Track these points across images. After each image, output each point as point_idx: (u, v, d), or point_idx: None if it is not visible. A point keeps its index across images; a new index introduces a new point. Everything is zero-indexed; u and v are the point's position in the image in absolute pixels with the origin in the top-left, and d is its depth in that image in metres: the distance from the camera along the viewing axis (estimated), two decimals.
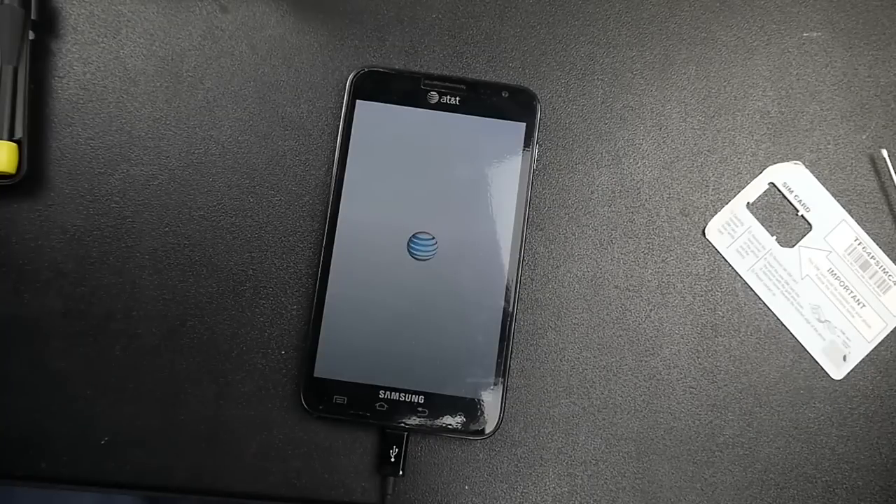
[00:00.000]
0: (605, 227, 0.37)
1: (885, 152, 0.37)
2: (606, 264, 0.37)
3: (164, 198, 0.37)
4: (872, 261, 0.37)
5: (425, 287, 0.35)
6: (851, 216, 0.38)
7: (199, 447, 0.36)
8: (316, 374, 0.35)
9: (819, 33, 0.39)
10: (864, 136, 0.38)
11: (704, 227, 0.38)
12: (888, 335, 0.37)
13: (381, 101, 0.36)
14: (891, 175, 0.37)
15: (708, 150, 0.38)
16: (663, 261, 0.37)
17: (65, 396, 0.36)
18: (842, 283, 0.37)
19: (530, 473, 0.36)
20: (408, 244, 0.36)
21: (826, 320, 0.37)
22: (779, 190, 0.38)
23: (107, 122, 0.37)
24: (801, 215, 0.38)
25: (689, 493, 0.36)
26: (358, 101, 0.36)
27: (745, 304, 0.37)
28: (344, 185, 0.36)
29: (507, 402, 0.36)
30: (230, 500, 0.36)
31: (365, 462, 0.36)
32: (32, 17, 0.36)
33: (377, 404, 0.35)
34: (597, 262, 0.37)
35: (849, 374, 0.37)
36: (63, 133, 0.37)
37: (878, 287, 0.37)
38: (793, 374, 0.37)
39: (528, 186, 0.36)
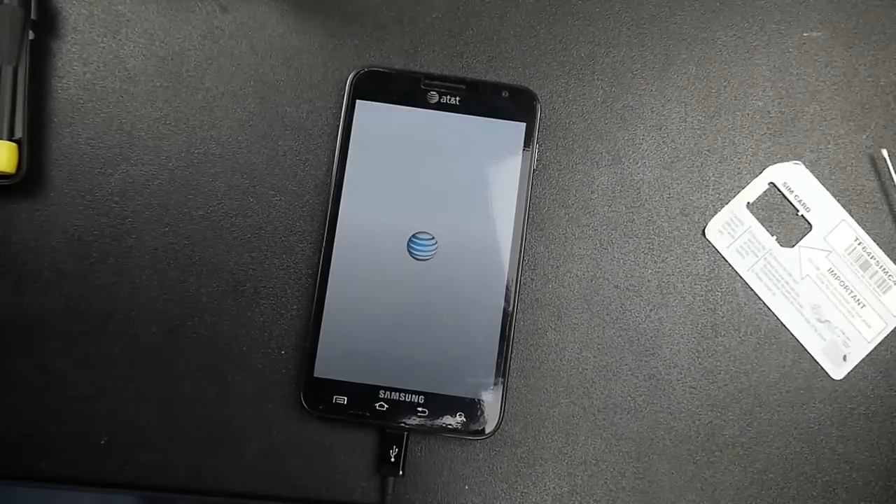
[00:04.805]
0: (605, 227, 0.37)
1: (885, 152, 0.37)
2: (606, 264, 0.37)
3: (164, 198, 0.37)
4: (872, 261, 0.37)
5: (425, 287, 0.35)
6: (851, 216, 0.38)
7: (199, 447, 0.36)
8: (316, 374, 0.35)
9: (819, 33, 0.39)
10: (864, 136, 0.38)
11: (704, 227, 0.38)
12: (888, 335, 0.37)
13: (381, 101, 0.36)
14: (891, 175, 0.37)
15: (708, 150, 0.38)
16: (663, 261, 0.37)
17: (65, 396, 0.36)
18: (842, 283, 0.37)
19: (530, 473, 0.36)
20: (408, 244, 0.36)
21: (826, 320, 0.37)
22: (779, 190, 0.38)
23: (107, 122, 0.37)
24: (801, 215, 0.38)
25: (689, 493, 0.36)
26: (358, 101, 0.36)
27: (745, 304, 0.37)
28: (344, 185, 0.36)
29: (507, 402, 0.36)
30: (230, 500, 0.36)
31: (365, 462, 0.36)
32: (32, 17, 0.36)
33: (377, 404, 0.35)
34: (597, 262, 0.37)
35: (849, 374, 0.37)
36: (63, 133, 0.37)
37: (878, 287, 0.37)
38: (793, 374, 0.37)
39: (528, 186, 0.36)
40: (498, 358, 0.35)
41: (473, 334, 0.35)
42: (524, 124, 0.36)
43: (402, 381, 0.35)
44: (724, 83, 0.38)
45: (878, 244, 0.38)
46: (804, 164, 0.38)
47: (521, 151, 0.36)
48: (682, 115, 0.38)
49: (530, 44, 0.38)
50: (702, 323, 0.37)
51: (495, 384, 0.35)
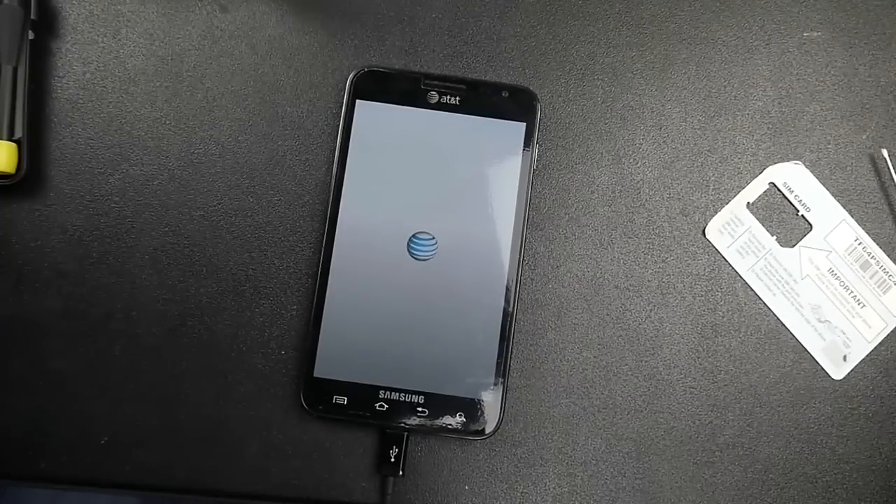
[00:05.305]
0: (605, 227, 0.37)
1: (885, 152, 0.37)
2: (606, 264, 0.37)
3: (164, 198, 0.37)
4: (872, 261, 0.37)
5: (425, 287, 0.35)
6: (851, 216, 0.38)
7: (199, 447, 0.36)
8: (316, 374, 0.35)
9: (819, 33, 0.39)
10: (864, 136, 0.38)
11: (704, 227, 0.38)
12: (888, 335, 0.37)
13: (381, 101, 0.36)
14: (891, 175, 0.37)
15: (708, 150, 0.38)
16: (663, 261, 0.37)
17: (65, 396, 0.36)
18: (842, 283, 0.37)
19: (530, 473, 0.36)
20: (408, 244, 0.36)
21: (826, 320, 0.37)
22: (779, 190, 0.38)
23: (107, 122, 0.37)
24: (802, 215, 0.38)
25: (689, 493, 0.36)
26: (358, 101, 0.36)
27: (745, 304, 0.37)
28: (344, 185, 0.36)
29: (507, 402, 0.36)
30: (230, 500, 0.36)
31: (365, 462, 0.36)
32: (32, 16, 0.36)
33: (377, 404, 0.35)
34: (597, 262, 0.37)
35: (849, 374, 0.37)
36: (63, 133, 0.37)
37: (878, 287, 0.37)
38: (793, 374, 0.37)
39: (528, 186, 0.36)
40: (498, 358, 0.35)
41: (473, 334, 0.35)
42: (524, 124, 0.36)
43: (402, 381, 0.35)
44: (724, 83, 0.38)
45: (878, 244, 0.38)
46: (804, 164, 0.38)
47: (521, 151, 0.36)
48: (682, 115, 0.38)
49: (530, 44, 0.38)
50: (702, 323, 0.37)
51: (495, 384, 0.35)
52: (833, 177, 0.38)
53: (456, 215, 0.36)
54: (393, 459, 0.35)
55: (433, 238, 0.36)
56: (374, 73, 0.37)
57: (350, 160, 0.36)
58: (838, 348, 0.37)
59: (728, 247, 0.37)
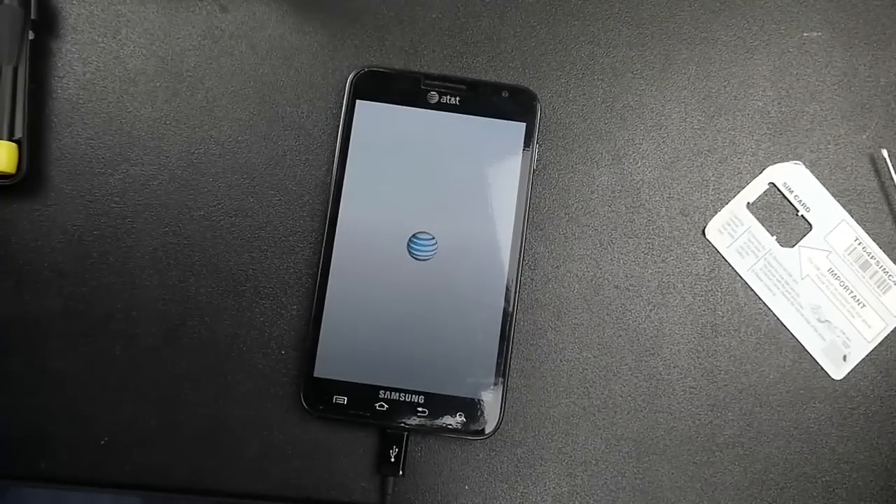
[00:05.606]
0: (605, 227, 0.37)
1: (885, 152, 0.37)
2: (606, 264, 0.37)
3: (164, 198, 0.37)
4: (872, 261, 0.37)
5: (425, 287, 0.35)
6: (851, 216, 0.38)
7: (199, 447, 0.36)
8: (316, 374, 0.35)
9: (819, 33, 0.39)
10: (864, 136, 0.38)
11: (704, 227, 0.38)
12: (888, 335, 0.37)
13: (381, 101, 0.36)
14: (891, 175, 0.37)
15: (708, 150, 0.38)
16: (663, 261, 0.37)
17: (65, 396, 0.36)
18: (842, 283, 0.37)
19: (530, 473, 0.36)
20: (408, 244, 0.36)
21: (826, 320, 0.37)
22: (779, 190, 0.38)
23: (107, 122, 0.37)
24: (801, 215, 0.38)
25: (689, 493, 0.36)
26: (358, 101, 0.36)
27: (745, 304, 0.37)
28: (344, 185, 0.36)
29: (507, 402, 0.36)
30: (230, 500, 0.36)
31: (365, 462, 0.36)
32: (32, 17, 0.36)
33: (377, 404, 0.35)
34: (597, 262, 0.37)
35: (849, 374, 0.37)
36: (63, 133, 0.37)
37: (878, 287, 0.37)
38: (793, 374, 0.37)
39: (528, 186, 0.36)
40: (498, 358, 0.35)
41: (473, 334, 0.35)
42: (524, 124, 0.36)
43: (402, 381, 0.35)
44: (724, 83, 0.38)
45: (878, 244, 0.38)
46: (804, 164, 0.38)
47: (521, 151, 0.36)
48: (682, 115, 0.38)
49: (530, 44, 0.38)
50: (702, 323, 0.37)
51: (495, 384, 0.35)
52: (833, 177, 0.38)
53: (456, 215, 0.36)
54: (393, 459, 0.35)
55: (433, 238, 0.36)
56: (374, 73, 0.37)
57: (350, 160, 0.36)
58: (838, 348, 0.37)
59: (728, 247, 0.37)
